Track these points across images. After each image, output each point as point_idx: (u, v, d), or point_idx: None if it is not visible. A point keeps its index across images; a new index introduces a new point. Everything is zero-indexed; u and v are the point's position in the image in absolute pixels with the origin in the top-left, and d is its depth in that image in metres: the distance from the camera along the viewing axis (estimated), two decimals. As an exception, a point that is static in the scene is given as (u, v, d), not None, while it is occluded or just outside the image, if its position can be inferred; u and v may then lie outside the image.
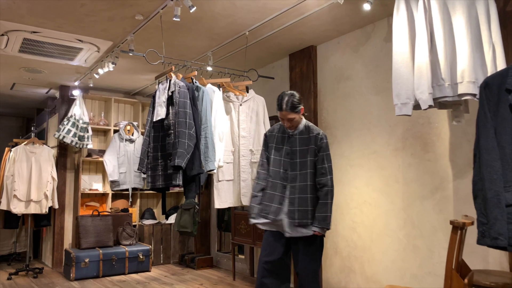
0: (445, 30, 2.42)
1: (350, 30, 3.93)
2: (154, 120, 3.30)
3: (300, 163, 2.72)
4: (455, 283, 2.04)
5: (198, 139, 3.19)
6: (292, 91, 2.80)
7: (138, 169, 3.39)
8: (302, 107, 2.77)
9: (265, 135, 2.93)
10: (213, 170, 3.23)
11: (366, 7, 3.02)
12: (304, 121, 2.84)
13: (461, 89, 2.34)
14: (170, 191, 6.28)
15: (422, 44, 2.41)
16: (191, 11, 3.04)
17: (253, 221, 2.77)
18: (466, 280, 2.10)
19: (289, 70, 4.62)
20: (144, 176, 5.44)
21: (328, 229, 2.68)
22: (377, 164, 3.67)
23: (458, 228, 2.03)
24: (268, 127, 3.86)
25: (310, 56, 4.36)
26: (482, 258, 2.87)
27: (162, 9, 3.35)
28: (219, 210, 5.78)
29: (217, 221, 5.79)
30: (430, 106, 2.37)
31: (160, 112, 3.23)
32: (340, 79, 4.09)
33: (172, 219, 5.95)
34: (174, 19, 3.13)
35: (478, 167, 1.78)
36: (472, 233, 2.74)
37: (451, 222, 2.05)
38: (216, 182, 3.58)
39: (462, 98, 2.37)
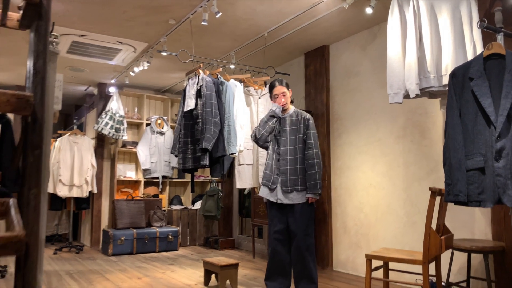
0: (431, 30, 2.84)
1: (358, 30, 4.36)
2: (185, 110, 3.83)
3: (290, 140, 3.22)
4: (432, 239, 2.47)
5: (222, 126, 3.70)
6: (280, 78, 3.44)
7: (171, 152, 3.93)
8: (291, 89, 3.36)
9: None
10: (234, 153, 3.73)
11: (369, 10, 3.46)
12: (293, 107, 3.35)
13: (445, 80, 2.75)
14: (196, 180, 6.84)
15: (411, 42, 2.84)
16: (216, 16, 3.55)
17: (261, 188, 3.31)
18: (443, 237, 2.52)
19: (304, 68, 5.08)
20: (173, 165, 6.02)
21: (319, 194, 3.16)
22: (381, 150, 4.09)
23: (435, 193, 2.46)
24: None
25: (323, 54, 4.81)
26: (470, 231, 3.26)
27: (192, 14, 3.88)
28: (240, 197, 6.28)
29: (239, 208, 6.29)
30: (417, 95, 2.79)
31: (190, 103, 3.76)
32: (349, 75, 4.52)
33: (197, 205, 6.49)
34: (202, 23, 3.65)
35: (446, 140, 2.21)
36: (460, 209, 3.14)
37: (430, 189, 2.48)
38: (237, 165, 4.08)
39: (446, 88, 2.78)
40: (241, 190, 6.20)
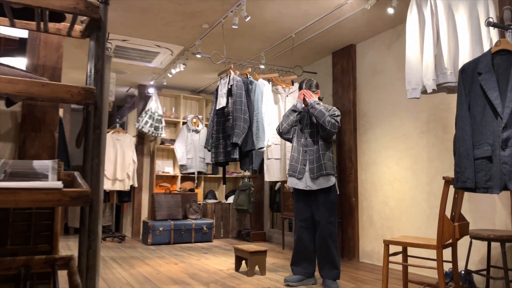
0: (449, 28, 2.98)
1: (383, 30, 4.50)
2: (217, 108, 4.13)
3: (316, 131, 3.43)
4: (446, 225, 2.62)
5: (251, 122, 3.97)
6: (311, 78, 3.60)
7: (204, 147, 4.25)
8: (319, 91, 3.55)
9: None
10: (263, 147, 3.99)
11: (390, 11, 3.61)
12: (322, 104, 3.55)
13: (462, 76, 2.88)
14: (229, 176, 7.16)
15: (429, 40, 2.99)
16: (246, 20, 3.82)
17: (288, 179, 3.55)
18: (456, 224, 2.66)
19: (332, 66, 5.26)
20: (208, 161, 6.35)
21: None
22: (405, 145, 4.22)
23: (449, 182, 2.61)
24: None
25: (349, 53, 4.98)
26: (490, 222, 3.35)
27: (223, 19, 4.18)
28: (271, 192, 6.52)
29: (269, 203, 6.54)
30: (433, 90, 2.93)
31: (222, 102, 4.05)
32: (375, 73, 4.67)
33: (230, 199, 6.80)
34: (233, 27, 3.93)
35: (456, 131, 2.36)
36: (481, 200, 3.25)
37: (443, 177, 2.63)
38: (266, 160, 4.33)
39: (463, 83, 2.91)
40: (272, 186, 6.45)
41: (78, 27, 1.43)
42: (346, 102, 4.97)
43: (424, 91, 3.04)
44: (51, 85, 1.09)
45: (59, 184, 1.04)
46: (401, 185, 4.24)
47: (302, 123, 3.56)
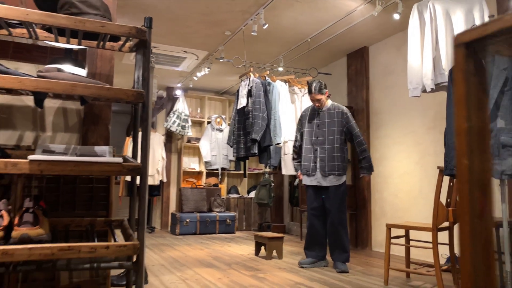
0: (447, 32, 3.28)
1: (393, 33, 4.81)
2: (238, 107, 4.54)
3: (328, 131, 3.77)
4: (440, 209, 2.93)
5: (269, 120, 4.36)
6: (319, 80, 3.89)
7: (227, 143, 4.67)
8: (327, 91, 3.85)
9: (300, 115, 4.04)
10: (279, 143, 4.37)
11: (396, 16, 3.93)
12: (330, 101, 3.88)
13: (458, 76, 3.19)
14: (250, 172, 7.57)
15: (428, 43, 3.30)
16: (264, 28, 4.21)
17: (300, 176, 3.89)
18: (450, 209, 2.97)
19: (347, 68, 5.59)
20: (231, 158, 6.78)
21: (373, 171, 3.74)
22: (414, 141, 4.51)
23: (442, 171, 2.92)
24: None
25: (363, 55, 5.30)
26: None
27: (244, 26, 4.59)
28: (290, 187, 6.89)
29: (289, 197, 6.91)
30: (432, 89, 3.24)
31: (242, 102, 4.46)
32: (386, 74, 4.98)
33: (252, 194, 7.21)
34: (252, 33, 4.34)
35: (446, 126, 2.68)
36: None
37: (438, 167, 2.94)
38: (283, 155, 4.71)
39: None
40: (291, 182, 6.81)
41: (128, 44, 1.86)
42: (360, 101, 5.29)
43: (424, 90, 3.36)
44: (114, 89, 1.52)
45: (120, 160, 1.47)
46: (410, 178, 4.54)
47: (312, 123, 3.91)
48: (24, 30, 1.64)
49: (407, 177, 4.58)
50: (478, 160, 0.56)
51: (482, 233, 0.54)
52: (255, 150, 4.27)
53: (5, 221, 1.41)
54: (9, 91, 1.73)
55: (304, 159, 3.89)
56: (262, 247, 4.44)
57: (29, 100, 1.83)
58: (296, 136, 4.02)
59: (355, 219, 5.16)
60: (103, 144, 1.93)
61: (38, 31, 1.67)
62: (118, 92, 1.53)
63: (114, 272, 3.06)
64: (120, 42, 1.79)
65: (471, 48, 0.57)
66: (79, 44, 1.77)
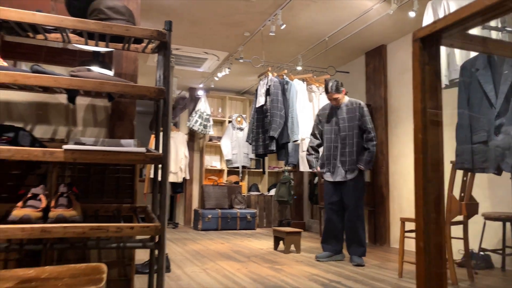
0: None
1: (410, 30, 4.84)
2: (257, 106, 4.68)
3: (348, 126, 3.85)
4: (453, 203, 2.99)
5: (287, 118, 4.48)
6: (335, 79, 3.98)
7: (246, 141, 4.81)
8: (344, 89, 3.93)
9: (317, 114, 4.13)
10: (297, 140, 4.49)
11: (412, 14, 3.98)
12: (346, 97, 3.97)
13: (472, 72, 3.23)
14: (271, 170, 7.69)
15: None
16: (281, 28, 4.34)
17: (318, 169, 3.99)
18: (463, 203, 3.02)
19: (365, 66, 5.65)
20: (251, 157, 6.93)
21: (369, 168, 3.80)
22: (431, 138, 4.54)
23: (454, 166, 2.97)
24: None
25: (381, 53, 5.35)
26: (507, 206, 3.64)
27: (262, 27, 4.73)
28: (310, 185, 6.98)
29: (309, 195, 6.99)
30: (446, 86, 3.30)
31: (261, 100, 4.60)
32: (404, 71, 5.02)
33: (272, 192, 7.34)
34: (270, 34, 4.47)
35: (458, 121, 2.74)
36: (499, 186, 3.54)
37: (451, 162, 3.00)
38: (301, 152, 4.82)
39: (473, 79, 3.25)
40: (311, 180, 6.90)
41: (150, 46, 2.03)
42: (378, 98, 5.35)
43: (438, 87, 3.41)
44: (138, 86, 1.68)
45: (143, 150, 1.63)
46: (427, 175, 4.56)
47: (331, 121, 4.01)
48: (58, 35, 1.83)
49: (424, 173, 4.61)
50: (431, 134, 0.68)
51: (432, 194, 0.66)
52: (273, 147, 4.40)
53: (43, 203, 1.60)
54: (45, 89, 1.92)
55: (325, 157, 3.98)
56: (281, 242, 4.56)
57: (62, 98, 2.02)
58: (313, 133, 4.11)
59: (374, 216, 5.21)
60: (128, 138, 2.10)
61: (70, 35, 1.85)
62: (141, 89, 1.69)
63: (138, 261, 3.25)
64: (143, 44, 1.95)
65: (425, 42, 0.69)
66: (107, 46, 1.94)
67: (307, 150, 4.13)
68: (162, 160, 1.67)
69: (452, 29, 0.64)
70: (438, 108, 0.68)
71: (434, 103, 0.68)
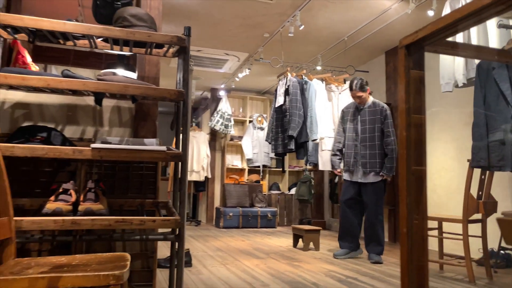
0: (479, 27, 3.32)
1: (430, 29, 4.82)
2: (276, 106, 4.76)
3: (369, 128, 3.87)
4: (470, 201, 2.99)
5: (305, 117, 4.55)
6: (360, 77, 4.00)
7: (265, 140, 4.90)
8: (368, 88, 3.94)
9: (342, 110, 4.16)
10: (315, 139, 4.54)
11: (430, 13, 3.98)
12: (371, 98, 3.98)
13: (491, 70, 3.22)
14: (291, 169, 7.76)
15: (460, 38, 3.35)
16: (300, 29, 4.41)
17: (338, 169, 4.03)
18: (480, 201, 3.02)
19: (385, 65, 5.64)
20: (272, 156, 7.02)
21: (393, 175, 3.78)
22: (451, 136, 4.52)
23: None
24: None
25: (401, 52, 5.33)
26: (528, 205, 3.60)
27: (281, 28, 4.80)
28: (330, 184, 7.01)
29: (329, 194, 7.03)
30: (464, 84, 3.30)
31: (280, 100, 4.68)
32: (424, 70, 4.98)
33: (293, 191, 7.40)
34: (289, 35, 4.55)
35: (474, 119, 2.75)
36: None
37: (468, 160, 3.00)
38: (320, 151, 4.87)
39: (492, 77, 3.24)
40: (332, 179, 6.93)
41: (171, 50, 2.15)
42: (398, 97, 5.33)
43: (456, 85, 3.41)
44: (159, 89, 1.80)
45: (164, 148, 1.74)
46: (447, 173, 4.55)
47: (354, 121, 4.03)
48: (86, 41, 1.96)
49: (444, 172, 4.59)
50: (414, 132, 0.76)
51: (415, 186, 0.73)
52: (292, 146, 4.47)
53: (73, 198, 1.73)
54: (74, 92, 2.06)
55: (346, 155, 4.03)
56: (300, 239, 4.63)
57: (90, 100, 2.16)
58: (338, 130, 4.15)
59: (394, 215, 5.21)
60: (151, 137, 2.22)
61: (97, 41, 1.99)
62: (162, 91, 1.81)
63: (161, 256, 3.39)
64: (164, 49, 2.07)
65: (410, 49, 0.77)
66: (130, 51, 2.07)
67: (332, 150, 4.17)
68: (181, 158, 1.79)
69: (432, 38, 0.71)
70: (422, 109, 0.76)
71: (418, 104, 0.76)
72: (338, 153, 4.09)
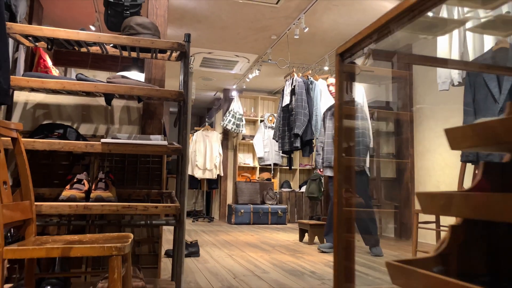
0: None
1: (434, 29, 4.93)
2: (283, 105, 4.94)
3: None
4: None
5: (311, 116, 4.71)
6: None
7: (273, 138, 5.09)
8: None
9: (323, 113, 4.32)
10: (321, 137, 4.70)
11: (430, 14, 4.09)
12: None
13: (486, 69, 3.33)
14: (302, 168, 7.92)
15: (456, 40, 3.47)
16: (304, 31, 4.58)
17: (321, 169, 4.20)
18: (474, 195, 3.14)
19: (391, 65, 5.76)
20: (282, 154, 7.18)
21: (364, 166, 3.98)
22: (455, 134, 4.61)
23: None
24: (366, 110, 5.13)
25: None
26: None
27: (288, 30, 4.98)
28: (340, 182, 7.14)
29: (339, 191, 7.16)
30: (459, 83, 3.41)
31: (286, 100, 4.86)
32: (429, 69, 5.10)
33: (303, 189, 7.56)
34: (295, 37, 4.72)
35: (463, 115, 2.88)
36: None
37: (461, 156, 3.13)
38: (326, 149, 5.03)
39: (487, 75, 3.35)
40: (342, 176, 7.05)
41: (174, 55, 2.36)
42: (403, 96, 5.44)
43: (452, 84, 3.53)
44: (162, 90, 2.01)
45: (165, 143, 1.95)
46: (451, 170, 4.64)
47: (332, 119, 4.19)
48: (98, 47, 2.20)
49: (448, 169, 4.68)
50: (346, 127, 0.94)
51: (344, 167, 0.92)
52: (298, 144, 4.65)
53: (86, 187, 1.96)
54: (88, 94, 2.30)
55: (326, 153, 4.19)
56: (306, 234, 4.79)
57: (102, 101, 2.40)
58: (320, 131, 4.32)
59: (399, 212, 5.32)
60: (157, 134, 2.44)
61: (107, 47, 2.21)
62: (164, 92, 2.02)
63: (169, 247, 3.61)
64: (168, 54, 2.29)
65: (343, 56, 0.95)
66: (137, 56, 2.30)
67: (316, 150, 4.32)
68: (181, 151, 2.00)
69: (356, 47, 0.90)
70: (351, 103, 0.93)
71: (349, 105, 0.94)
72: (321, 152, 4.26)
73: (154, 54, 2.26)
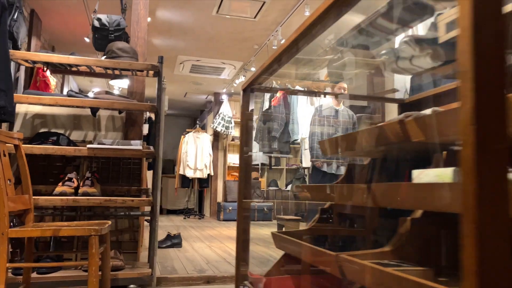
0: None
1: (402, 40, 5.34)
2: (263, 110, 5.37)
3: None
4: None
5: (288, 120, 5.13)
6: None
7: (253, 140, 5.51)
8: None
9: (316, 107, 4.72)
10: (297, 139, 5.13)
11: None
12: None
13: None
14: (288, 167, 8.34)
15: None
16: (281, 43, 4.99)
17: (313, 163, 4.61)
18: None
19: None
20: (272, 154, 7.59)
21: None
22: (419, 136, 5.03)
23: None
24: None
25: (380, 60, 5.86)
26: None
27: (268, 41, 5.40)
28: (324, 181, 7.55)
29: (323, 190, 7.58)
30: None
31: (266, 105, 5.28)
32: (398, 76, 5.51)
33: (289, 187, 7.98)
34: (273, 47, 5.14)
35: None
36: None
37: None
38: (303, 150, 5.46)
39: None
40: (325, 175, 7.46)
41: (151, 72, 2.78)
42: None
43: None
44: (138, 104, 2.43)
45: (139, 147, 2.38)
46: (416, 170, 5.06)
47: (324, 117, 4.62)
48: (86, 68, 2.62)
49: (414, 169, 5.10)
50: (245, 138, 1.36)
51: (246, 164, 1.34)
52: (275, 145, 5.07)
53: (75, 184, 2.39)
54: (78, 106, 2.72)
55: (316, 149, 4.60)
56: (283, 228, 5.21)
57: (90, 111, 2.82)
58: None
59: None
60: (137, 139, 2.86)
61: (94, 67, 2.64)
62: (140, 106, 2.44)
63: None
64: (145, 72, 2.71)
65: (246, 91, 1.37)
66: (120, 73, 2.72)
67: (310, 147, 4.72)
68: (153, 154, 2.42)
69: (254, 83, 1.32)
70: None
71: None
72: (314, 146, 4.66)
73: (133, 73, 2.68)
